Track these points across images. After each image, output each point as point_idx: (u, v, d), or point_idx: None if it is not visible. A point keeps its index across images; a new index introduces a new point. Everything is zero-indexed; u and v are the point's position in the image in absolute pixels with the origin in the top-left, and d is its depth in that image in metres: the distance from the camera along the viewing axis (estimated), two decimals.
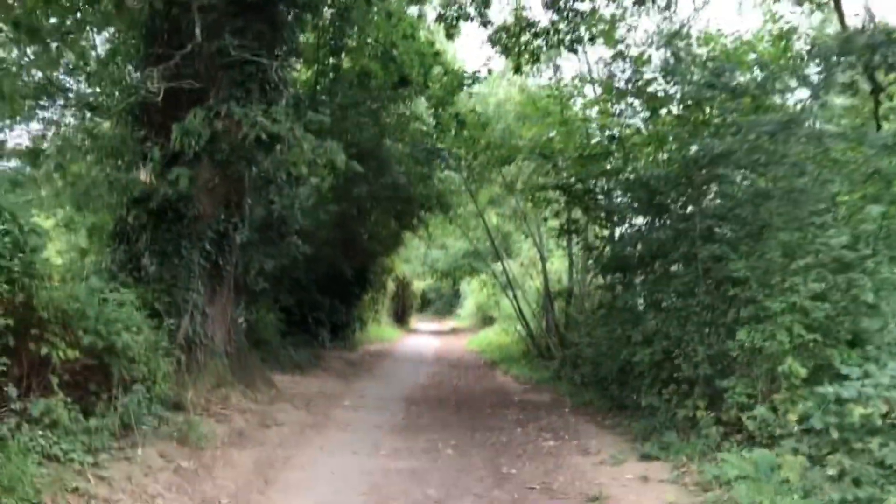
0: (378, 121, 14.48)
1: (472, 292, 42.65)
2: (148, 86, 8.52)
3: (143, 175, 8.87)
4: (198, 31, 8.55)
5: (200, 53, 8.92)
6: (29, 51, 10.17)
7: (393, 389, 12.93)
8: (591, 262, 12.88)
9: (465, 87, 15.13)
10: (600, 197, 12.07)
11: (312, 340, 18.32)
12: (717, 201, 9.26)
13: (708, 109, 9.86)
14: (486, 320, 35.64)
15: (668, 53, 10.67)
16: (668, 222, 9.85)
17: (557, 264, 22.24)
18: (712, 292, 8.35)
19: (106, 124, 10.52)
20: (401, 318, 37.42)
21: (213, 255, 10.11)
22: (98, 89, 11.01)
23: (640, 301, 10.51)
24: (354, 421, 9.65)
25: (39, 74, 10.40)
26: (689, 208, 9.36)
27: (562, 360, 15.27)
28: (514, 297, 20.69)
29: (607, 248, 12.16)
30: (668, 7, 12.48)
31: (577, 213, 13.98)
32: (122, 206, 9.51)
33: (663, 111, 11.01)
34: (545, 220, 15.36)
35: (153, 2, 8.69)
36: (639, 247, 10.67)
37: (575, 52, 13.10)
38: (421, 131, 15.55)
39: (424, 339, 31.99)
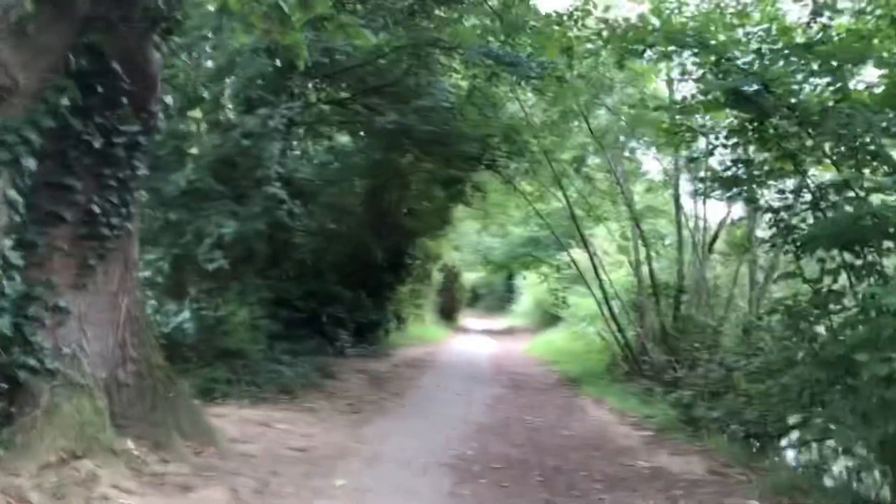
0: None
1: (530, 287, 37.52)
2: None
3: None
4: None
5: None
6: None
7: (431, 439, 7.79)
8: (771, 232, 7.54)
9: None
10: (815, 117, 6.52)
11: (326, 346, 13.34)
12: None
13: None
14: (548, 320, 30.45)
15: None
16: None
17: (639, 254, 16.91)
18: None
19: None
20: (448, 314, 32.31)
21: (77, 193, 5.17)
22: None
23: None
24: None
25: None
26: None
27: (694, 391, 9.94)
28: (602, 288, 15.36)
29: (822, 210, 6.78)
30: None
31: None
32: None
33: None
34: (692, 159, 9.77)
35: None
36: None
37: None
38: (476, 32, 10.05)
39: (476, 340, 26.81)
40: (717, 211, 15.75)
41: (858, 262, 6.24)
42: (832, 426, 6.12)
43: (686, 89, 9.92)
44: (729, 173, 7.55)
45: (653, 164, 17.41)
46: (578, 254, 18.52)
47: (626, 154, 15.69)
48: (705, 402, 9.68)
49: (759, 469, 6.77)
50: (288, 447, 6.74)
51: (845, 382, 6.21)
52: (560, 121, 13.74)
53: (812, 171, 7.34)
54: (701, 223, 15.33)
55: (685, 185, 15.38)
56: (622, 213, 17.39)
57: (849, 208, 6.25)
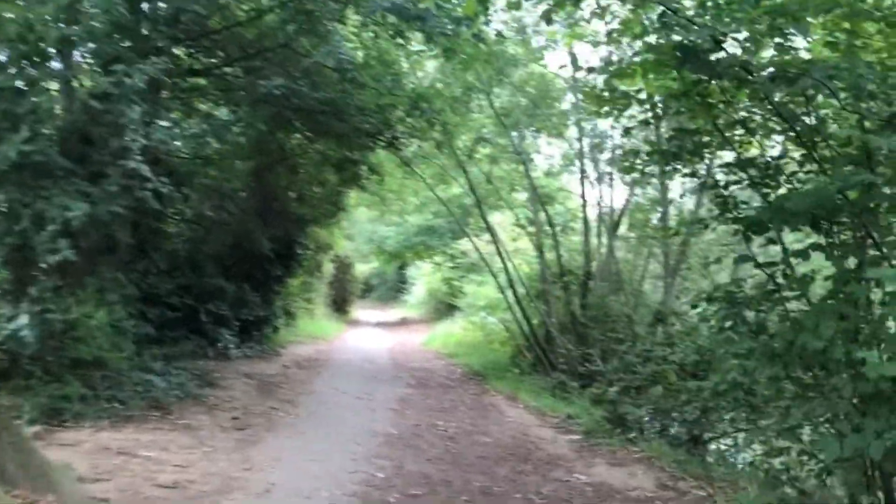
0: None
1: (423, 276, 36.65)
2: None
3: None
4: None
5: None
6: None
7: (333, 460, 6.56)
8: (711, 205, 6.74)
9: None
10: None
11: (206, 348, 11.82)
12: None
13: None
14: (443, 310, 29.64)
15: None
16: None
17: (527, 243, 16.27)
18: None
19: None
20: (340, 307, 30.85)
21: None
22: None
23: None
24: None
25: None
26: None
27: (618, 386, 9.10)
28: (507, 273, 14.48)
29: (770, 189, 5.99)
30: None
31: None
32: None
33: None
34: (627, 130, 8.78)
35: None
36: None
37: None
38: None
39: (371, 333, 25.57)
40: (619, 195, 15.20)
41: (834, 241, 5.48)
42: (803, 431, 5.33)
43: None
44: (671, 146, 6.66)
45: (552, 149, 16.72)
46: (478, 241, 17.63)
47: (530, 132, 14.83)
48: (630, 399, 8.91)
49: (715, 481, 5.94)
50: (156, 484, 5.36)
51: (816, 381, 5.46)
52: (463, 96, 12.68)
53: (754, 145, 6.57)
54: (606, 207, 14.75)
55: (591, 168, 14.74)
56: (525, 198, 16.64)
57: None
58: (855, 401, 5.00)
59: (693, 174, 6.73)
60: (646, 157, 7.16)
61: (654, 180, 13.79)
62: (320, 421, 8.43)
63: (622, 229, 13.89)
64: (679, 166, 6.89)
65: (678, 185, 13.64)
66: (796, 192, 5.41)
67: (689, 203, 12.40)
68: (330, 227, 19.36)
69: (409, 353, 19.01)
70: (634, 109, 7.24)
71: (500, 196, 16.18)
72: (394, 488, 5.74)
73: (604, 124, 14.62)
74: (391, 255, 32.71)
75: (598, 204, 14.76)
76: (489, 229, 14.69)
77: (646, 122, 6.69)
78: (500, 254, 14.62)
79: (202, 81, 10.56)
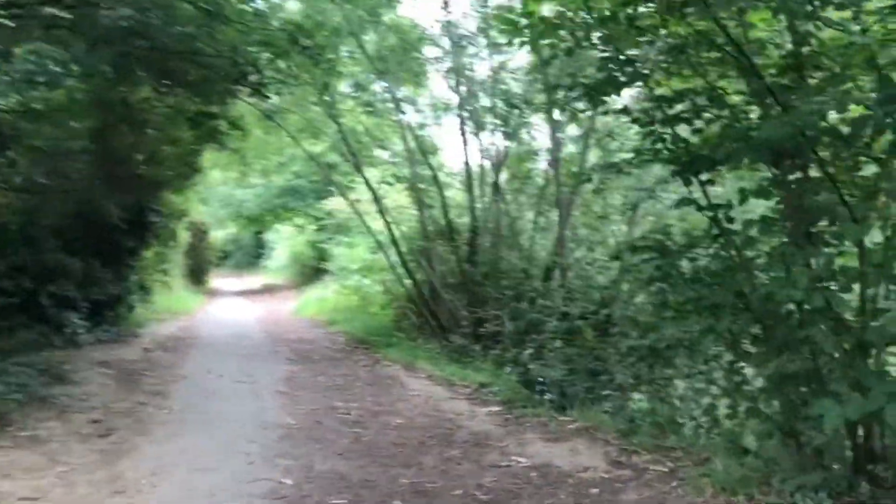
0: None
1: (285, 240, 35.09)
2: None
3: None
4: None
5: None
6: None
7: (225, 467, 5.42)
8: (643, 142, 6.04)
9: None
10: None
11: (51, 336, 10.19)
12: None
13: None
14: (309, 275, 28.41)
15: None
16: None
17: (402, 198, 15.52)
18: None
19: None
20: (197, 277, 28.78)
21: None
22: None
23: None
24: None
25: None
26: None
27: (531, 347, 8.41)
28: (391, 231, 13.51)
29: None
30: None
31: None
32: None
33: None
34: (546, 61, 7.73)
35: None
36: None
37: None
38: None
39: (234, 304, 23.97)
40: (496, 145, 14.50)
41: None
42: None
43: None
44: (601, 75, 5.89)
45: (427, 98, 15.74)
46: (349, 199, 16.51)
47: (404, 80, 13.80)
48: (543, 362, 8.27)
49: (671, 453, 5.33)
50: None
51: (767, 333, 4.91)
52: (332, 35, 11.42)
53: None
54: (486, 159, 14.06)
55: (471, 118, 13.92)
56: (400, 150, 15.65)
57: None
58: (836, 355, 4.48)
59: (625, 110, 5.98)
60: (570, 92, 6.37)
61: (541, 128, 13.26)
62: (200, 415, 7.20)
63: (513, 183, 13.23)
64: (607, 99, 6.16)
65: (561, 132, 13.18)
66: (770, 120, 4.74)
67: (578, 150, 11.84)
68: (184, 191, 17.53)
69: (282, 323, 17.76)
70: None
71: (373, 150, 15.11)
72: (308, 498, 4.73)
73: (482, 68, 13.92)
74: (250, 219, 30.92)
75: (480, 154, 14.05)
76: (367, 185, 13.58)
77: (568, 52, 5.85)
78: (380, 211, 13.59)
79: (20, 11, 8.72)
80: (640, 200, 7.70)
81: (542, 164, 13.73)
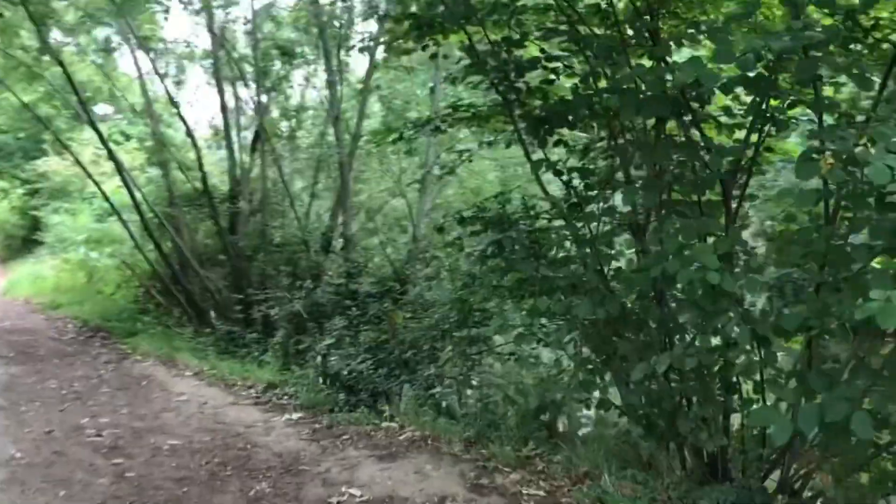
0: None
1: None
2: None
3: None
4: None
5: None
6: None
7: None
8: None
9: None
10: None
11: None
12: None
13: None
14: (18, 247, 24.46)
15: None
16: None
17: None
18: None
19: None
20: None
21: None
22: None
23: None
24: None
25: None
26: None
27: (329, 335, 7.09)
28: (132, 196, 11.28)
29: None
30: None
31: None
32: None
33: None
34: None
35: None
36: None
37: None
38: None
39: None
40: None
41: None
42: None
43: None
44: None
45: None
46: (70, 158, 13.86)
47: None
48: (341, 351, 7.05)
49: (537, 465, 4.42)
50: None
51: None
52: None
53: None
54: (242, 115, 12.43)
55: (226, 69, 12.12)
56: (135, 104, 13.40)
57: None
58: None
59: (471, 48, 4.88)
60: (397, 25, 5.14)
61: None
62: None
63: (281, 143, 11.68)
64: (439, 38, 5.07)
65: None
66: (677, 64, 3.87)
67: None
68: None
69: None
70: None
71: (106, 99, 12.70)
72: None
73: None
74: None
75: (236, 110, 12.35)
76: (101, 140, 11.17)
77: None
78: (119, 171, 11.30)
79: None
80: (456, 165, 6.70)
81: (319, 121, 12.35)
